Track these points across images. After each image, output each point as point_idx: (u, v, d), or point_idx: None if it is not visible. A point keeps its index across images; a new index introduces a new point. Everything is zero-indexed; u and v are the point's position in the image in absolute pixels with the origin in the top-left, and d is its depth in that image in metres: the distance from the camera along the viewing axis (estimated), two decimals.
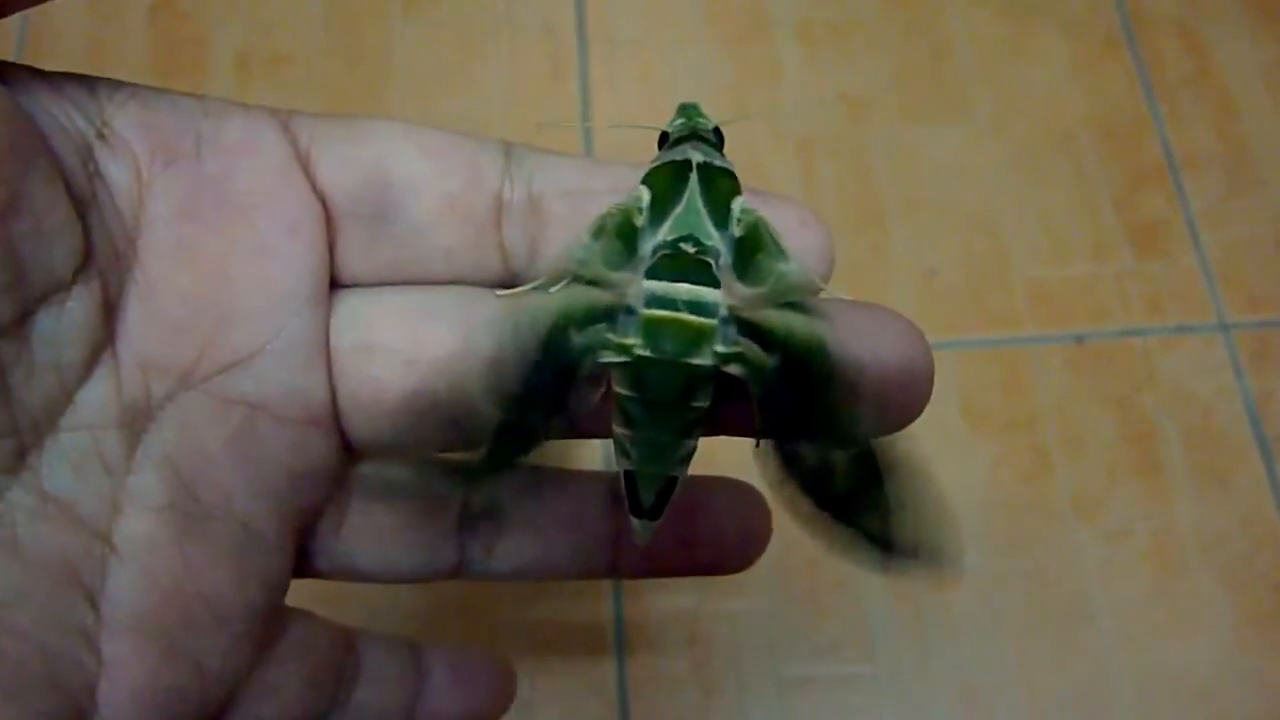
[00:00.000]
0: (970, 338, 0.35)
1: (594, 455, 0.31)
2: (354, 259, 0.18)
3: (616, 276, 0.17)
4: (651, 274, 0.17)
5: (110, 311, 0.16)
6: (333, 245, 0.17)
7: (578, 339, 0.16)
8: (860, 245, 0.36)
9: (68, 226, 0.15)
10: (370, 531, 0.19)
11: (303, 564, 0.19)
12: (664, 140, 0.18)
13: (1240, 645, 0.31)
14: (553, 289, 0.17)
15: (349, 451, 0.18)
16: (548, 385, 0.16)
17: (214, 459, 0.16)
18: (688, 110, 0.18)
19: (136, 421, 0.16)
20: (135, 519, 0.16)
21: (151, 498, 0.16)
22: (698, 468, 0.18)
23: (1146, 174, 0.37)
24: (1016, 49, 0.40)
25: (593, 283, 0.17)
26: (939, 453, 0.33)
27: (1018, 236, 0.36)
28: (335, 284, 0.18)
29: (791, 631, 0.31)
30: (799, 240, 0.17)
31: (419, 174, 0.17)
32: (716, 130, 0.18)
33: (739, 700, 0.30)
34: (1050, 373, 0.34)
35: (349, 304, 0.18)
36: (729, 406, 0.17)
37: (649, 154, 0.18)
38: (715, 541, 0.20)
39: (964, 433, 0.33)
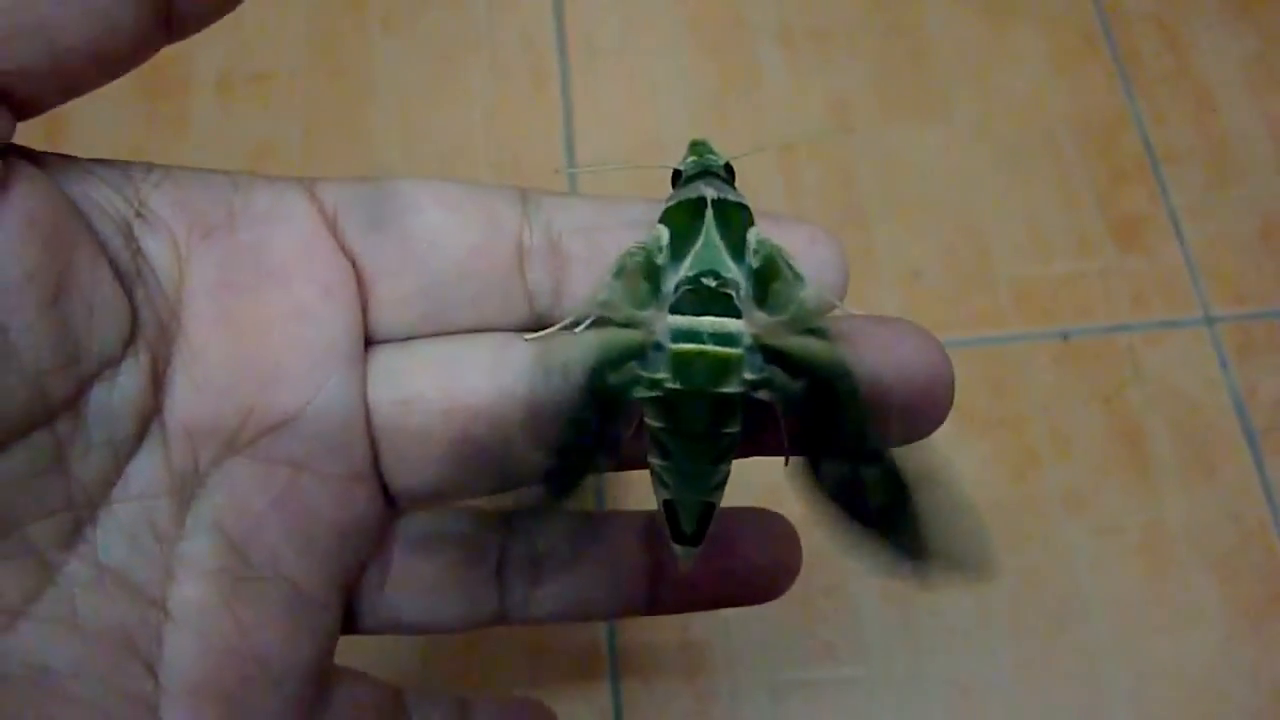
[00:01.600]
0: (956, 338, 0.35)
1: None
2: (386, 315, 0.18)
3: (642, 315, 0.17)
4: (676, 309, 0.17)
5: (158, 383, 0.16)
6: (365, 303, 0.18)
7: (614, 379, 0.17)
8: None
9: (115, 303, 0.15)
10: (414, 583, 0.20)
11: (349, 621, 0.19)
12: (676, 178, 0.19)
13: (1233, 638, 0.31)
14: (578, 330, 0.18)
15: (392, 505, 0.19)
16: (590, 427, 0.17)
17: (262, 520, 0.17)
18: (699, 148, 0.19)
19: (186, 488, 0.16)
20: (188, 584, 0.16)
21: (203, 562, 0.16)
22: (733, 487, 0.18)
23: (1128, 170, 0.37)
24: (996, 49, 0.40)
25: (619, 323, 0.17)
26: None
27: (1001, 235, 0.37)
28: (370, 341, 0.18)
29: (784, 636, 0.31)
30: (811, 256, 0.18)
31: (442, 228, 0.18)
32: (728, 166, 0.19)
33: (733, 706, 0.30)
34: (1037, 371, 0.34)
35: (384, 358, 0.18)
36: (759, 429, 0.18)
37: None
38: (748, 572, 0.21)
39: (952, 433, 0.33)
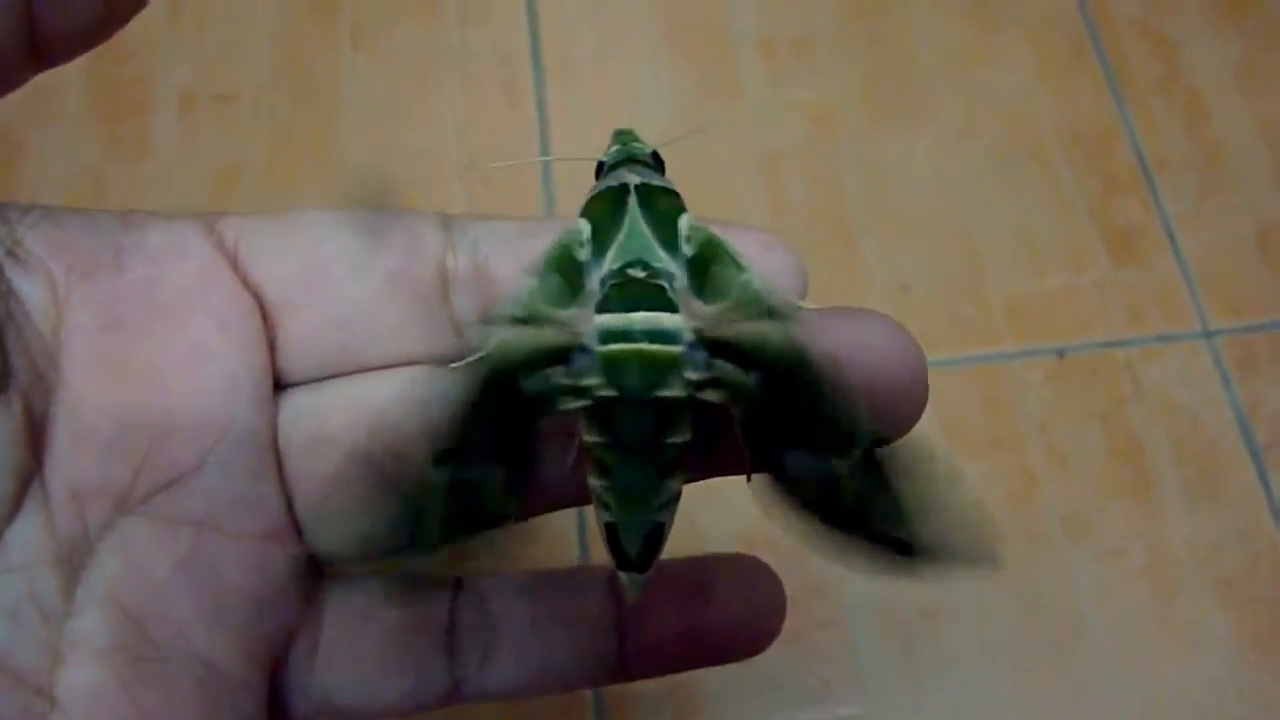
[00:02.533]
0: (948, 356, 0.34)
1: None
2: (297, 353, 0.17)
3: (565, 315, 0.15)
4: (603, 307, 0.15)
5: (36, 437, 0.14)
6: (273, 342, 0.17)
7: (528, 385, 0.15)
8: (830, 262, 0.35)
9: None
10: (350, 658, 0.17)
11: (276, 705, 0.17)
12: (600, 171, 0.17)
13: (1242, 662, 0.30)
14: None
15: (316, 566, 0.17)
16: (501, 438, 0.15)
17: (164, 589, 0.15)
18: (623, 136, 0.17)
19: (74, 557, 0.14)
20: (79, 668, 0.14)
21: (96, 641, 0.14)
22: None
23: (1120, 179, 0.37)
24: (982, 56, 0.39)
25: (540, 324, 0.15)
26: None
27: (992, 248, 0.35)
28: (282, 383, 0.17)
29: (778, 675, 0.30)
30: (765, 264, 0.16)
31: (354, 255, 0.17)
32: (655, 155, 0.17)
33: None
34: (1032, 389, 0.33)
35: (297, 400, 0.17)
36: (714, 436, 0.16)
37: None
38: (727, 626, 0.19)
39: (945, 453, 0.32)
